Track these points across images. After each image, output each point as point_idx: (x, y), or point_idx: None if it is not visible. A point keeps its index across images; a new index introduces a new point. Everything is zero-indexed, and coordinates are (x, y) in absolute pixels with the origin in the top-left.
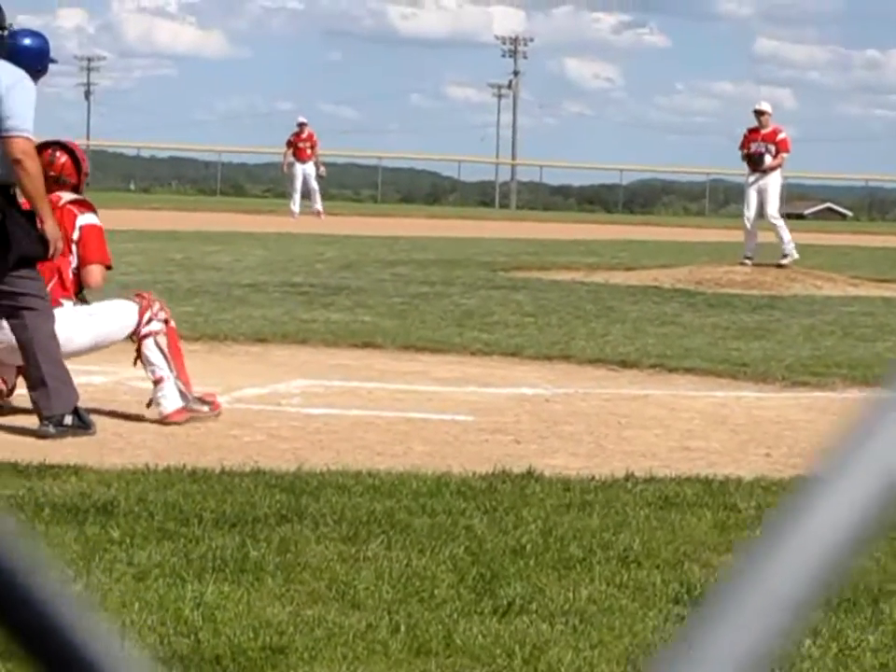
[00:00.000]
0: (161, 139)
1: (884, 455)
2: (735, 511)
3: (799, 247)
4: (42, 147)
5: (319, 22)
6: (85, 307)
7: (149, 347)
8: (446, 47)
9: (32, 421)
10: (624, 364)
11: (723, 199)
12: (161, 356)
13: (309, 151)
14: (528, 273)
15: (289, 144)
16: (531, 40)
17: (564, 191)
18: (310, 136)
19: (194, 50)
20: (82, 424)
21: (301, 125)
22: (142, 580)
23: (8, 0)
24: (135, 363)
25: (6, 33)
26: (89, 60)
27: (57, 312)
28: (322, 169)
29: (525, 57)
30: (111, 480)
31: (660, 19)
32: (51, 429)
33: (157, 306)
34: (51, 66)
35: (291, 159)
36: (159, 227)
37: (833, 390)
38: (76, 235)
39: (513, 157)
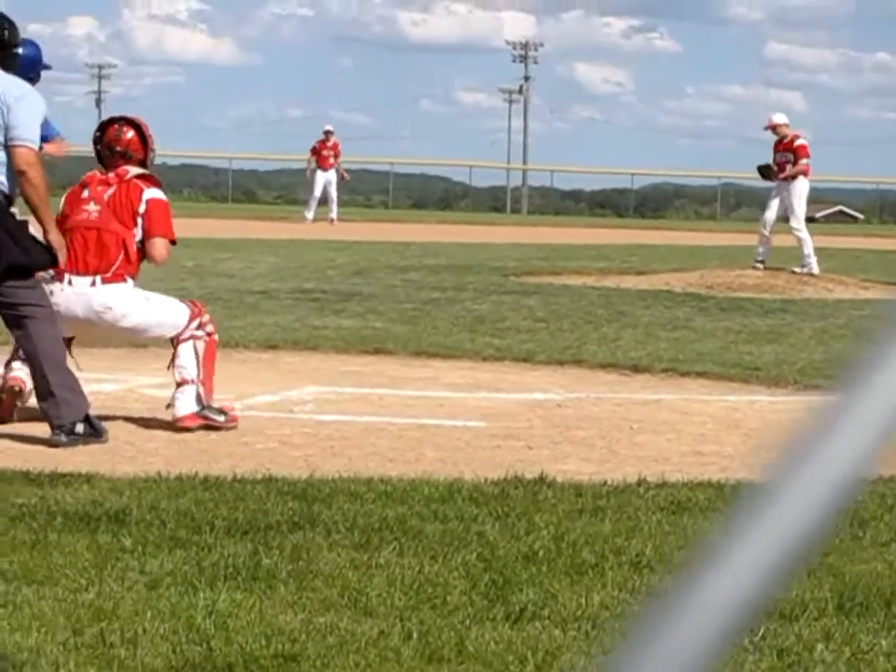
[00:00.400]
0: (171, 146)
1: (833, 463)
2: None
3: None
4: (108, 123)
5: (329, 29)
6: (143, 291)
7: (185, 349)
8: (457, 52)
9: (43, 429)
10: (636, 369)
11: (735, 203)
12: (193, 359)
13: (332, 160)
14: (540, 278)
15: (314, 151)
16: (541, 45)
17: (575, 196)
18: (335, 145)
19: (205, 58)
20: (94, 432)
21: (328, 133)
22: (154, 588)
23: (19, 9)
24: (169, 367)
25: (19, 50)
26: (99, 68)
27: (118, 287)
28: (346, 176)
29: (535, 62)
30: (123, 488)
31: (670, 23)
32: (63, 438)
33: (206, 317)
34: (63, 75)
35: (314, 166)
36: None
37: None
38: (142, 208)
39: (524, 162)
